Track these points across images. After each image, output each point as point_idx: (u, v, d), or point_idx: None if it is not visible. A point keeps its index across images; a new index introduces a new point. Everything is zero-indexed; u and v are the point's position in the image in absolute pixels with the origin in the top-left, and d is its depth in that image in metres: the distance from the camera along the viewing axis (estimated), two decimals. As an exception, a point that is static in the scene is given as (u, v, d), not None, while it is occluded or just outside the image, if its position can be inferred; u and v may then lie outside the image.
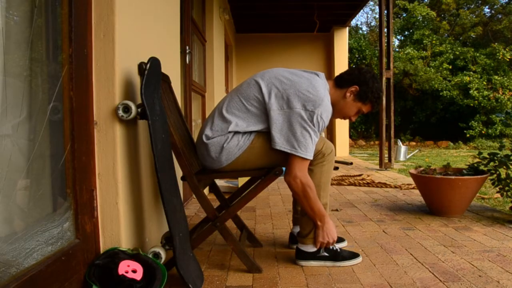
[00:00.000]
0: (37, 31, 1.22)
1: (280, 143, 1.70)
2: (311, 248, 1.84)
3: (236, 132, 1.78)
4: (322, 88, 1.75)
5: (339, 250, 1.86)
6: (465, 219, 2.67)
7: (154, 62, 1.63)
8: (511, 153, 2.66)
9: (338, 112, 1.90)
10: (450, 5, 14.62)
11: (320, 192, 1.81)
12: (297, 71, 1.84)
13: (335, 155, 4.46)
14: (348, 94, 1.85)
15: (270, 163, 1.81)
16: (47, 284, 1.15)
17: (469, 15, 14.58)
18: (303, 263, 1.85)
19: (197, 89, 3.90)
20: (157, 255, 1.61)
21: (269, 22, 7.37)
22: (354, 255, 1.87)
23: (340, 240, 2.15)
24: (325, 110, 1.72)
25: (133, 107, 1.50)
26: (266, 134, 1.79)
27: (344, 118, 1.95)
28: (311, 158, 1.72)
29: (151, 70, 1.58)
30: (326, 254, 1.83)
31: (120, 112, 1.49)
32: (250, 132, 1.79)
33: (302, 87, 1.72)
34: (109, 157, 1.49)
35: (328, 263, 1.83)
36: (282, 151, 1.73)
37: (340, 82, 1.88)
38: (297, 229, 2.06)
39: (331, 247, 1.84)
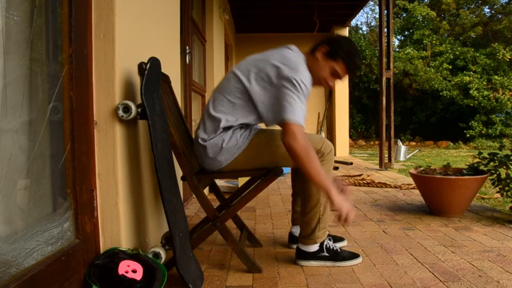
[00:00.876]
0: (37, 31, 1.22)
1: (271, 119, 1.73)
2: (311, 248, 1.84)
3: (234, 131, 1.78)
4: (295, 57, 1.77)
5: (339, 250, 1.86)
6: (465, 219, 2.67)
7: (154, 62, 1.63)
8: (511, 153, 2.66)
9: (315, 77, 1.85)
10: (450, 5, 14.62)
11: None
12: (268, 50, 1.86)
13: (335, 155, 4.46)
14: (318, 55, 1.86)
15: (270, 163, 1.81)
16: (47, 284, 1.15)
17: (469, 15, 14.58)
18: (303, 263, 1.85)
19: (197, 89, 3.90)
20: (157, 255, 1.61)
21: (269, 22, 7.37)
22: (354, 255, 1.87)
23: (340, 239, 2.15)
24: (304, 76, 1.71)
25: (133, 107, 1.50)
26: (265, 133, 1.79)
27: (322, 84, 1.90)
28: (303, 124, 1.65)
29: (151, 70, 1.58)
30: (326, 254, 1.83)
31: (120, 112, 1.49)
32: (249, 132, 1.80)
33: (276, 60, 1.75)
34: (109, 157, 1.49)
35: (328, 263, 1.83)
36: (281, 150, 1.73)
37: (313, 48, 1.91)
38: (296, 229, 2.07)
39: (331, 246, 1.85)
